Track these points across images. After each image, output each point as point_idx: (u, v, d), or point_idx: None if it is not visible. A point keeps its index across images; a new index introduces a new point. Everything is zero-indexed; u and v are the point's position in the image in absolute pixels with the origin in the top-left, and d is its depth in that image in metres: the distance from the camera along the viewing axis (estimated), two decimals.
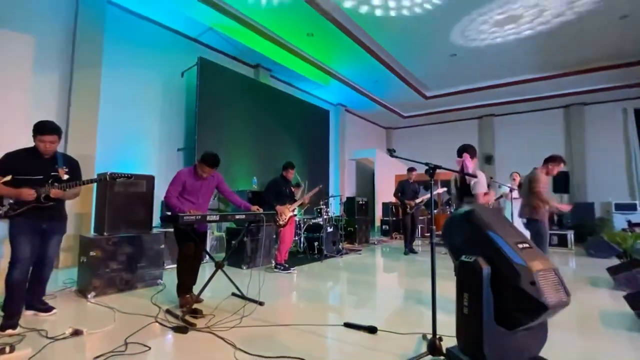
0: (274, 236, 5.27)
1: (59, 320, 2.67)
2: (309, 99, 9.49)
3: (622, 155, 9.50)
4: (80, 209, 4.79)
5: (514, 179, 6.23)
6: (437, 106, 10.79)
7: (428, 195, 6.84)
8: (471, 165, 3.48)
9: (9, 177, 2.43)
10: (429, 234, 8.89)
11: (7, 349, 2.03)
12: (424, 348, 2.09)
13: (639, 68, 7.61)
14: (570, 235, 7.33)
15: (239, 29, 5.97)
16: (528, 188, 3.82)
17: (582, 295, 3.71)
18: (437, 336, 2.02)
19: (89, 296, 3.22)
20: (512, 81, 8.78)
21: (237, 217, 3.12)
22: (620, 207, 8.74)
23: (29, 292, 2.71)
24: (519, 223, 4.77)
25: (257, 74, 7.82)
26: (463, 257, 1.39)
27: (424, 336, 2.35)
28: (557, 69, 8.09)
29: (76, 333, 2.34)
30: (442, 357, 1.94)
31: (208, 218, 2.87)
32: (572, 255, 6.58)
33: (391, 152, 2.54)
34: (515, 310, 1.27)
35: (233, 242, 3.88)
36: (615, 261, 5.24)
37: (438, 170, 2.27)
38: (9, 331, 2.35)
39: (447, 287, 3.37)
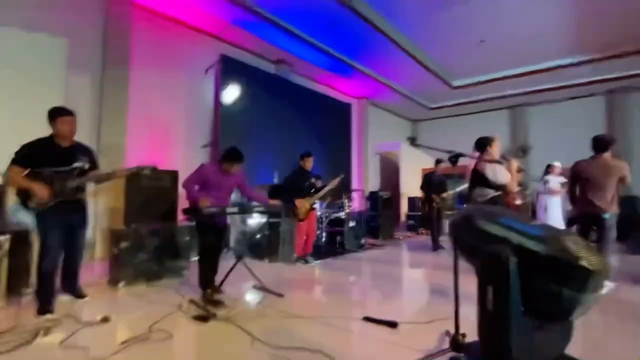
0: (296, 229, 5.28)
1: (91, 308, 2.81)
2: (330, 93, 9.39)
3: None
4: (112, 203, 5.02)
5: (553, 171, 5.90)
6: (464, 96, 10.31)
7: (456, 190, 6.60)
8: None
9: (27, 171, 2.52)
10: None
11: (42, 332, 2.16)
12: (446, 344, 2.01)
13: None
14: None
15: (260, 24, 5.99)
16: (618, 179, 3.41)
17: (623, 293, 3.43)
18: (461, 332, 1.94)
19: (119, 285, 3.37)
20: (547, 67, 8.22)
21: (256, 210, 3.15)
22: None
23: (65, 279, 2.88)
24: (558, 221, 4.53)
25: (279, 70, 7.83)
26: (487, 247, 1.29)
27: (447, 332, 2.26)
28: (598, 52, 7.46)
29: (105, 320, 2.45)
30: (463, 354, 1.85)
31: (227, 210, 2.90)
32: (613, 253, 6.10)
33: (412, 141, 2.45)
34: (556, 283, 1.10)
35: (255, 235, 3.93)
36: None
37: (466, 163, 2.16)
38: (48, 315, 2.49)
39: (472, 283, 3.24)
